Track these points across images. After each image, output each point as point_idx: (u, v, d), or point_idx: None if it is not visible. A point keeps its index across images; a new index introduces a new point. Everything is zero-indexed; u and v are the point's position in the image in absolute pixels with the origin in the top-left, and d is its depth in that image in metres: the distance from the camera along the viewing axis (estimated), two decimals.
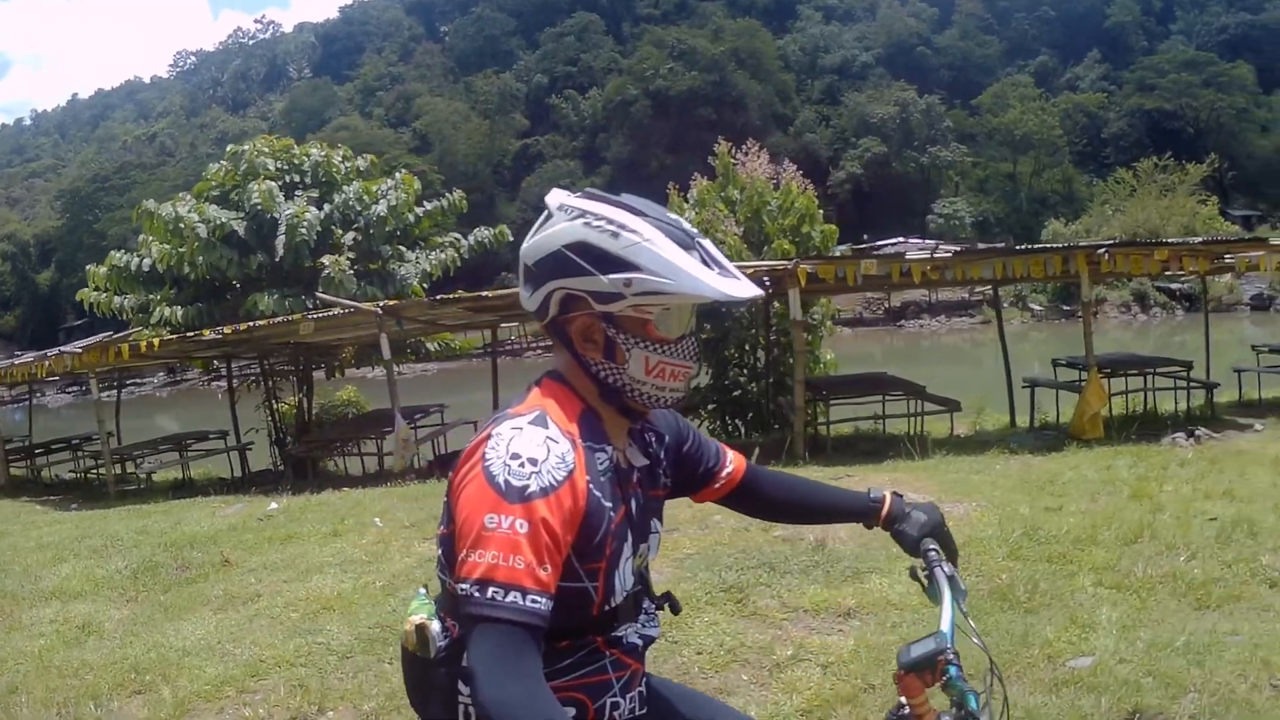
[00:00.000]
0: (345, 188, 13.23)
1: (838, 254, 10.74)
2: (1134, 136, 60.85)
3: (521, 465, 1.13)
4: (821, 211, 11.65)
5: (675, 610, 1.43)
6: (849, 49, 72.94)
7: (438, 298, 9.99)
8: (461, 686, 1.23)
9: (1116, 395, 9.57)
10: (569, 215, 1.22)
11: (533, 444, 1.15)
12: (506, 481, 1.12)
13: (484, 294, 9.99)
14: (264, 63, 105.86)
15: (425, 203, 13.60)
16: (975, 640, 1.29)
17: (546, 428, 1.18)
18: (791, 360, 9.90)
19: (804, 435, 8.89)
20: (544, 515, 1.11)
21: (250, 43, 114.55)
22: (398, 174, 14.14)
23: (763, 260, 9.98)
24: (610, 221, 1.20)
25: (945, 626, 1.30)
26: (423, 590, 1.39)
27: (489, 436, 1.18)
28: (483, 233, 14.39)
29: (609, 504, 1.22)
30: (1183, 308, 36.34)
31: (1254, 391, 10.74)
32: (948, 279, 9.84)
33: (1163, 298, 36.66)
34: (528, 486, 1.12)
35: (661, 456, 1.40)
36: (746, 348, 11.17)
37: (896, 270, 8.76)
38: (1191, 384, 9.96)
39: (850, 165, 52.16)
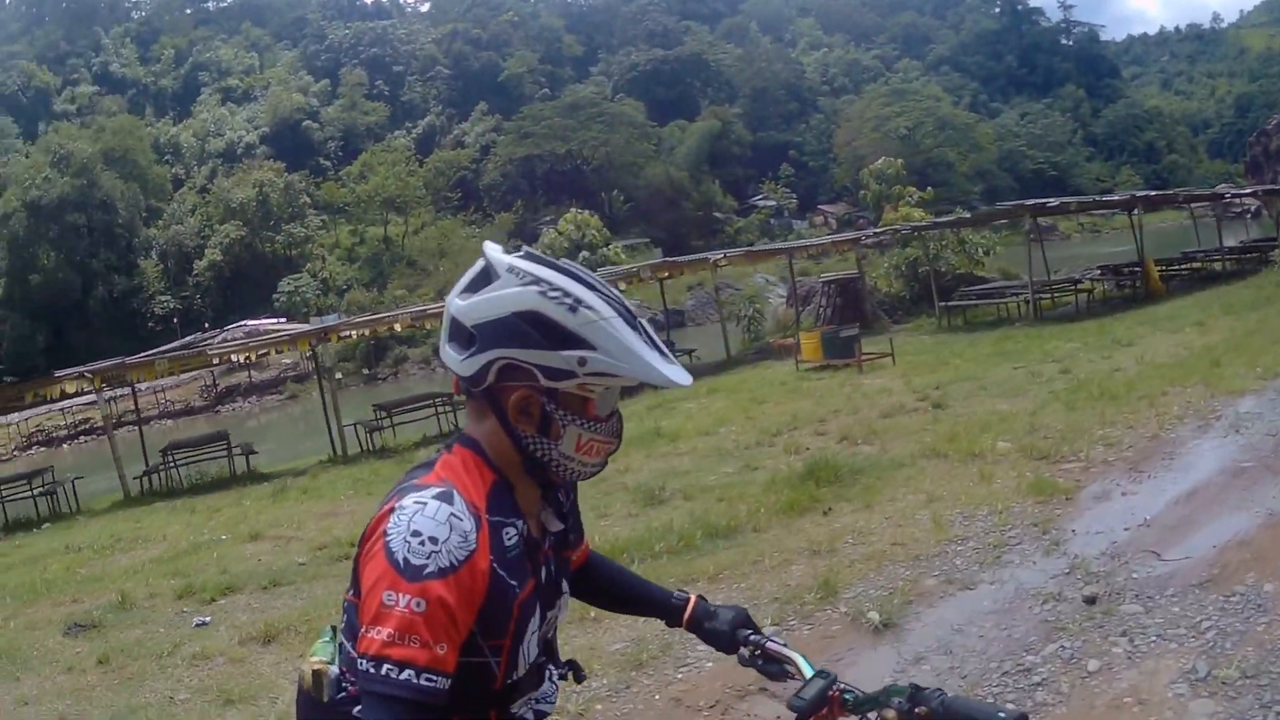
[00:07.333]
0: None
1: None
2: (508, 185, 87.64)
3: (422, 543, 1.46)
4: None
5: (579, 679, 1.86)
6: (237, 131, 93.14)
7: None
8: None
9: None
10: (521, 279, 1.54)
11: (435, 521, 1.48)
12: (405, 559, 1.45)
13: None
14: None
15: None
16: (852, 687, 1.70)
17: (452, 503, 1.51)
18: None
19: None
20: (441, 595, 1.44)
21: None
22: None
23: None
24: (567, 294, 1.53)
25: (813, 670, 1.73)
26: (328, 631, 1.76)
27: (392, 510, 1.51)
28: None
29: (514, 582, 1.57)
30: None
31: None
32: None
33: None
34: (426, 566, 1.45)
35: (567, 513, 1.82)
36: None
37: None
38: None
39: (212, 253, 70.93)
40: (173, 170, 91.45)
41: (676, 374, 1.57)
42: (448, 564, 1.46)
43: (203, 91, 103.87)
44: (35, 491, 18.70)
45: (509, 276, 1.54)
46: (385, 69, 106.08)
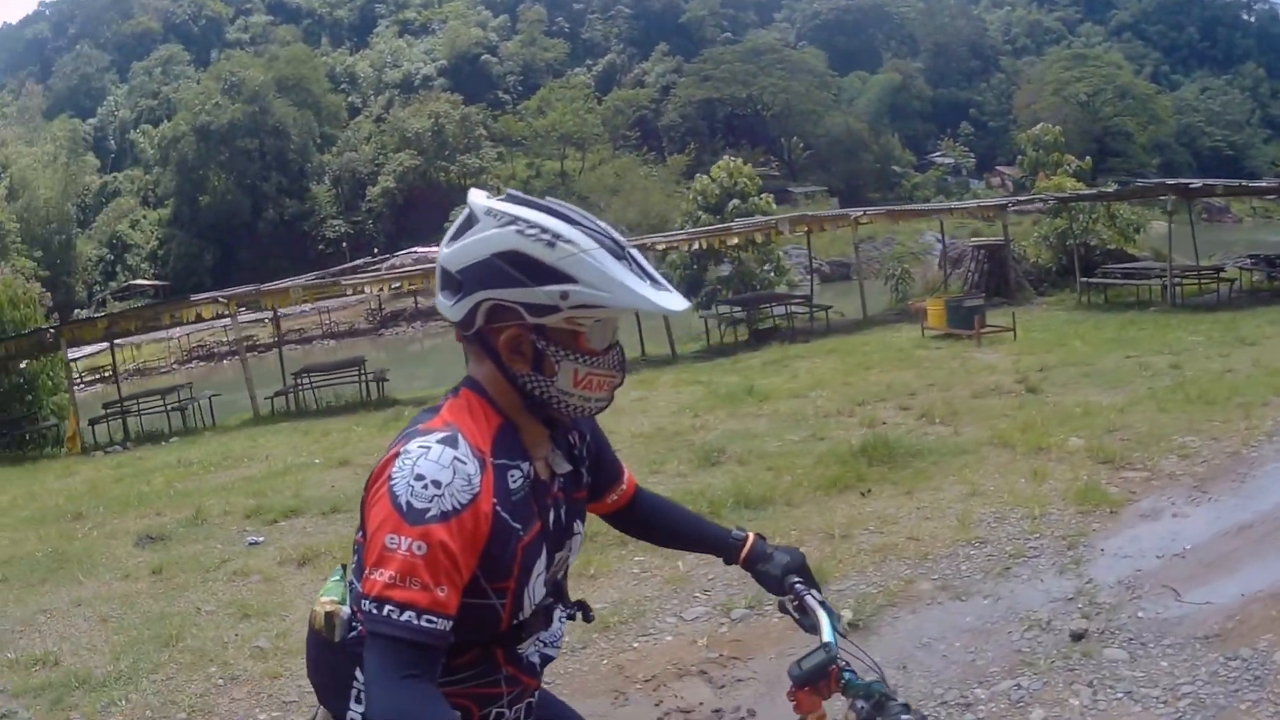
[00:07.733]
0: None
1: None
2: (687, 126, 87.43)
3: (425, 487, 1.49)
4: None
5: (588, 618, 1.88)
6: (414, 63, 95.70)
7: None
8: (358, 673, 1.65)
9: None
10: (499, 221, 1.55)
11: (439, 465, 1.51)
12: (408, 503, 1.48)
13: None
14: None
15: None
16: (863, 656, 1.77)
17: (456, 447, 1.54)
18: None
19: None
20: (443, 539, 1.48)
21: None
22: None
23: None
24: (544, 230, 1.53)
25: (829, 638, 1.75)
26: (340, 570, 1.85)
27: (397, 455, 1.54)
28: None
29: (518, 525, 1.60)
30: None
31: None
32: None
33: None
34: (428, 510, 1.48)
35: (584, 455, 1.85)
36: None
37: None
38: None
39: (385, 180, 73.61)
40: (348, 99, 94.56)
41: (667, 299, 1.57)
42: (450, 508, 1.49)
43: (380, 23, 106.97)
44: (169, 407, 19.81)
45: (488, 219, 1.57)
46: (565, 6, 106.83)
